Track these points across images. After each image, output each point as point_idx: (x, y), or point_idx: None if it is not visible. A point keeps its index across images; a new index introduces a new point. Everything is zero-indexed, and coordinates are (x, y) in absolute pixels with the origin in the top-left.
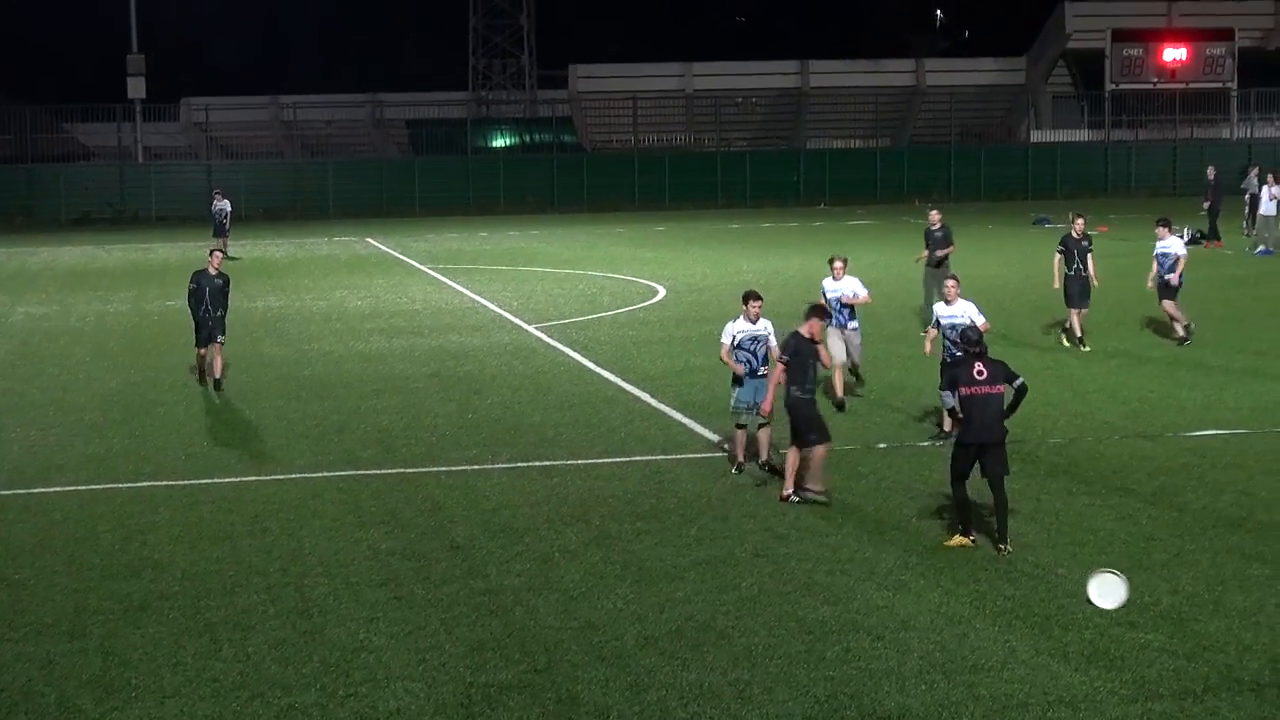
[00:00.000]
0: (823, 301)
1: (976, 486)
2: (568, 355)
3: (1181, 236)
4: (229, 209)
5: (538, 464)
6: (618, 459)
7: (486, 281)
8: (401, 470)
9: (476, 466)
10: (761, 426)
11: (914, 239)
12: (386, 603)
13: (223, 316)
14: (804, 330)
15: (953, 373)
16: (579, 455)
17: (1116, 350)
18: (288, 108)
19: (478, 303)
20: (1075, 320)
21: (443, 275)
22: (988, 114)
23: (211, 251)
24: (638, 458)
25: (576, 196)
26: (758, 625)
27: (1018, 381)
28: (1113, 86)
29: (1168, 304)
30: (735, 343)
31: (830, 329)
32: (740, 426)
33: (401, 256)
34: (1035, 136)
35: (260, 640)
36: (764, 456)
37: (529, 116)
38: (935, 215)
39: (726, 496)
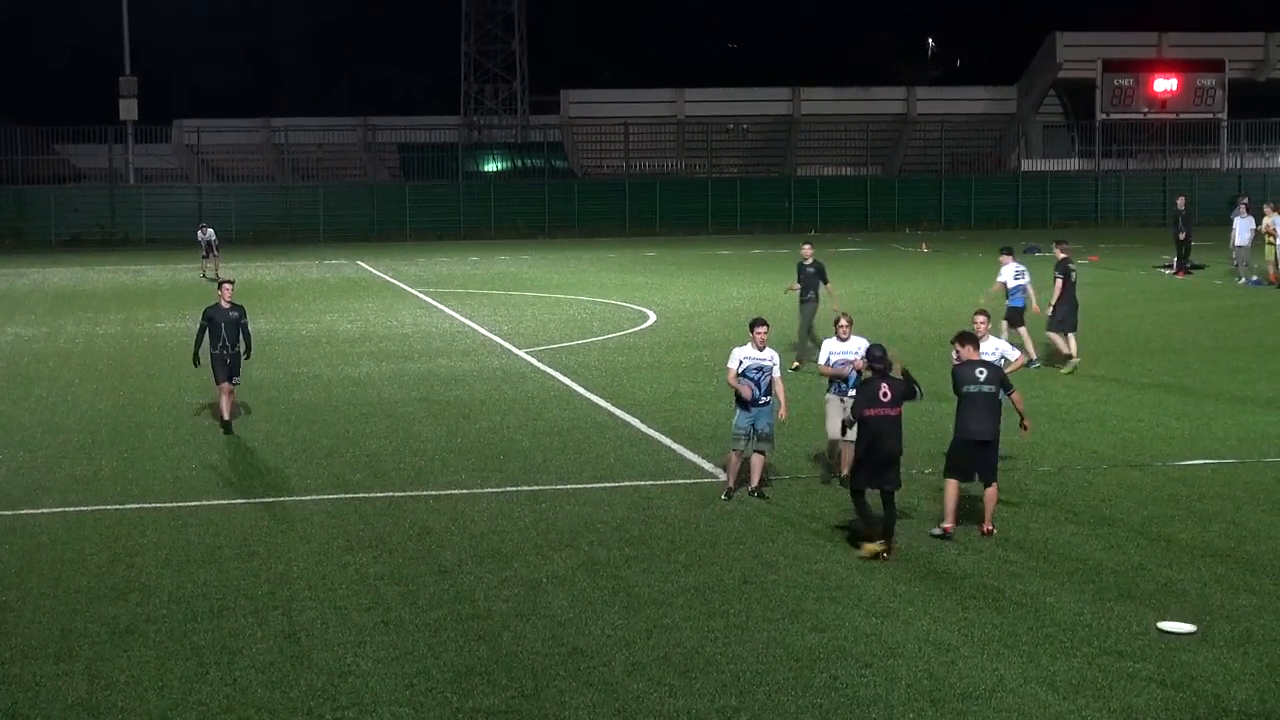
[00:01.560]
0: (823, 368)
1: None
2: (557, 380)
3: (1167, 267)
4: (215, 238)
5: (526, 489)
6: (606, 485)
7: (477, 306)
8: (390, 494)
9: (465, 491)
10: (757, 453)
11: (906, 267)
12: (374, 627)
13: (241, 354)
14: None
15: (862, 393)
16: (568, 480)
17: (1105, 379)
18: (279, 131)
19: (468, 327)
20: (1070, 343)
21: (433, 299)
22: (978, 143)
23: (220, 284)
24: (626, 483)
25: (567, 221)
26: (746, 652)
27: (917, 397)
28: (1103, 116)
29: (1021, 330)
30: (741, 369)
31: (830, 398)
32: (736, 451)
33: (392, 280)
34: (1026, 165)
35: (247, 664)
36: (755, 483)
37: (520, 141)
38: (807, 250)
39: (715, 523)
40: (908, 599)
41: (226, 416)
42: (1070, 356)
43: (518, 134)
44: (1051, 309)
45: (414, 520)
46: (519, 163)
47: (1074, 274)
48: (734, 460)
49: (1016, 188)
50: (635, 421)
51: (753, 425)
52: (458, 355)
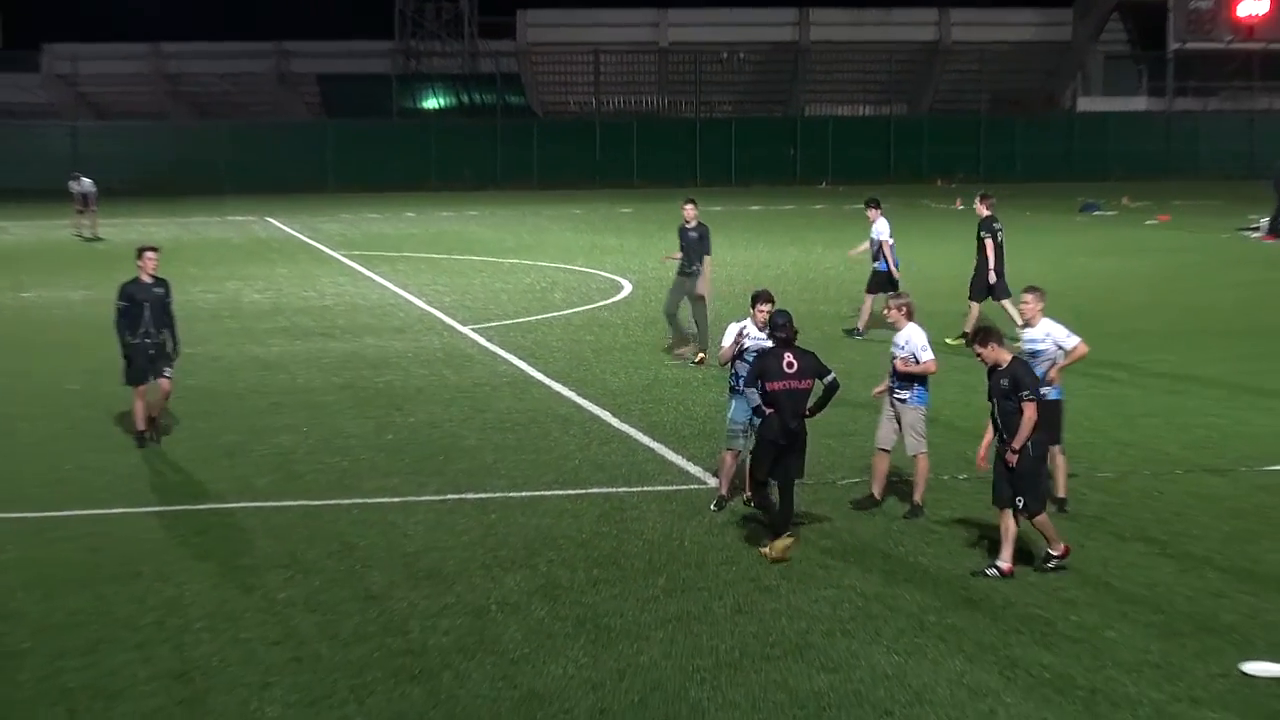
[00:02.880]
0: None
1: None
2: (511, 364)
3: (1254, 229)
4: (92, 189)
5: (472, 496)
6: (570, 491)
7: (413, 273)
8: (305, 502)
9: (397, 499)
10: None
11: (938, 228)
12: (284, 665)
13: (168, 341)
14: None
15: (760, 365)
16: (523, 486)
17: (1173, 368)
18: (172, 59)
19: (402, 298)
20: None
21: (360, 264)
22: (1026, 77)
23: (141, 252)
24: (595, 490)
25: (524, 171)
26: (739, 697)
27: (828, 377)
28: (1177, 45)
29: (868, 297)
30: (741, 351)
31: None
32: (732, 451)
33: (310, 241)
34: (1083, 105)
35: (129, 710)
36: (723, 490)
37: (467, 73)
38: (690, 210)
39: (703, 539)
40: (937, 633)
41: (141, 426)
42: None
43: (464, 63)
44: (993, 275)
45: (335, 534)
46: (466, 99)
47: (1001, 234)
48: (728, 462)
49: (1071, 132)
50: (606, 415)
51: (751, 420)
52: (390, 333)
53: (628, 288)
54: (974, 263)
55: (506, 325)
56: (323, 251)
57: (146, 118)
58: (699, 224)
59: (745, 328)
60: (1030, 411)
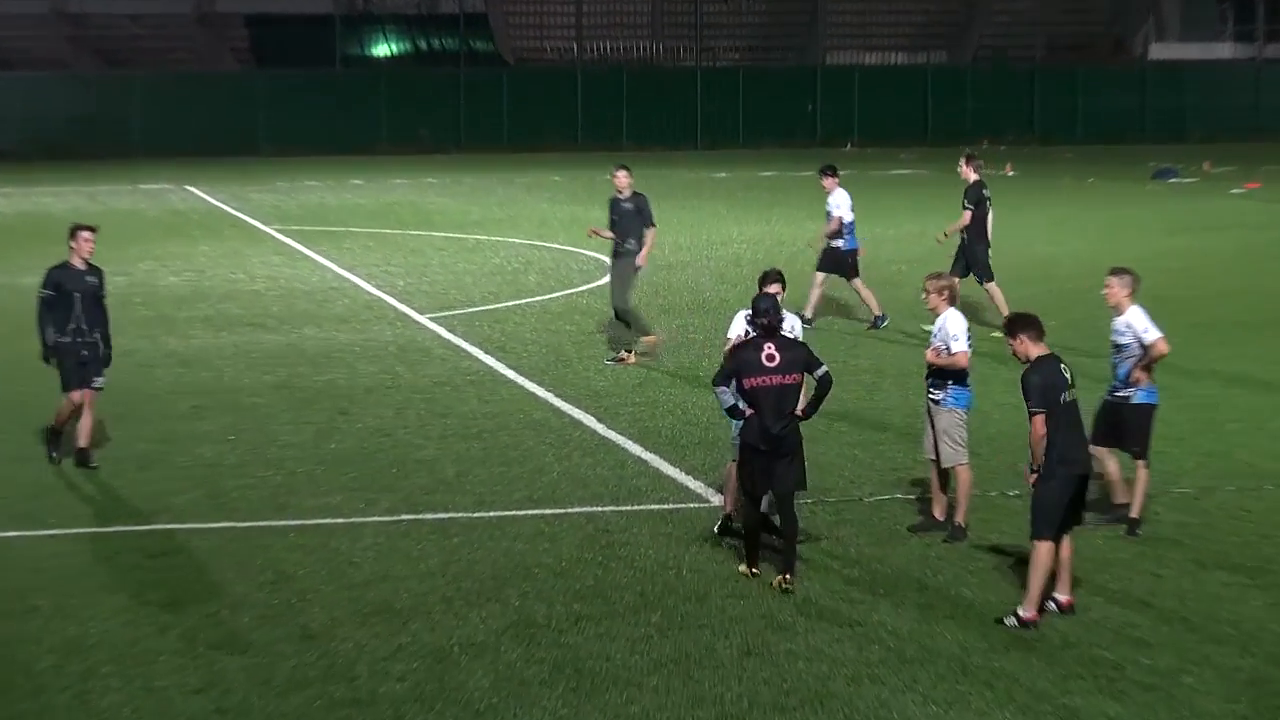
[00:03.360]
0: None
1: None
2: (477, 359)
3: None
4: None
5: (431, 517)
6: (547, 511)
7: (361, 252)
8: (232, 524)
9: (342, 520)
10: None
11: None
12: (207, 717)
13: (102, 340)
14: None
15: (735, 358)
16: (491, 505)
17: (1262, 366)
18: None
19: (347, 282)
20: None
21: (298, 242)
22: (1089, 19)
23: (75, 232)
24: (576, 509)
25: (493, 131)
26: None
27: (819, 371)
28: None
29: (857, 282)
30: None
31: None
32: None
33: (238, 214)
34: (1156, 52)
35: None
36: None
37: (425, 13)
38: (623, 178)
39: (705, 567)
40: (983, 679)
41: (84, 443)
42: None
43: (421, 3)
44: (958, 236)
45: (268, 561)
46: (423, 44)
47: (989, 204)
48: (733, 474)
49: (1143, 84)
50: (589, 420)
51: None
52: (333, 322)
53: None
54: (961, 240)
55: (471, 314)
56: (253, 226)
57: (44, 67)
58: (634, 194)
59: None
60: (1037, 427)
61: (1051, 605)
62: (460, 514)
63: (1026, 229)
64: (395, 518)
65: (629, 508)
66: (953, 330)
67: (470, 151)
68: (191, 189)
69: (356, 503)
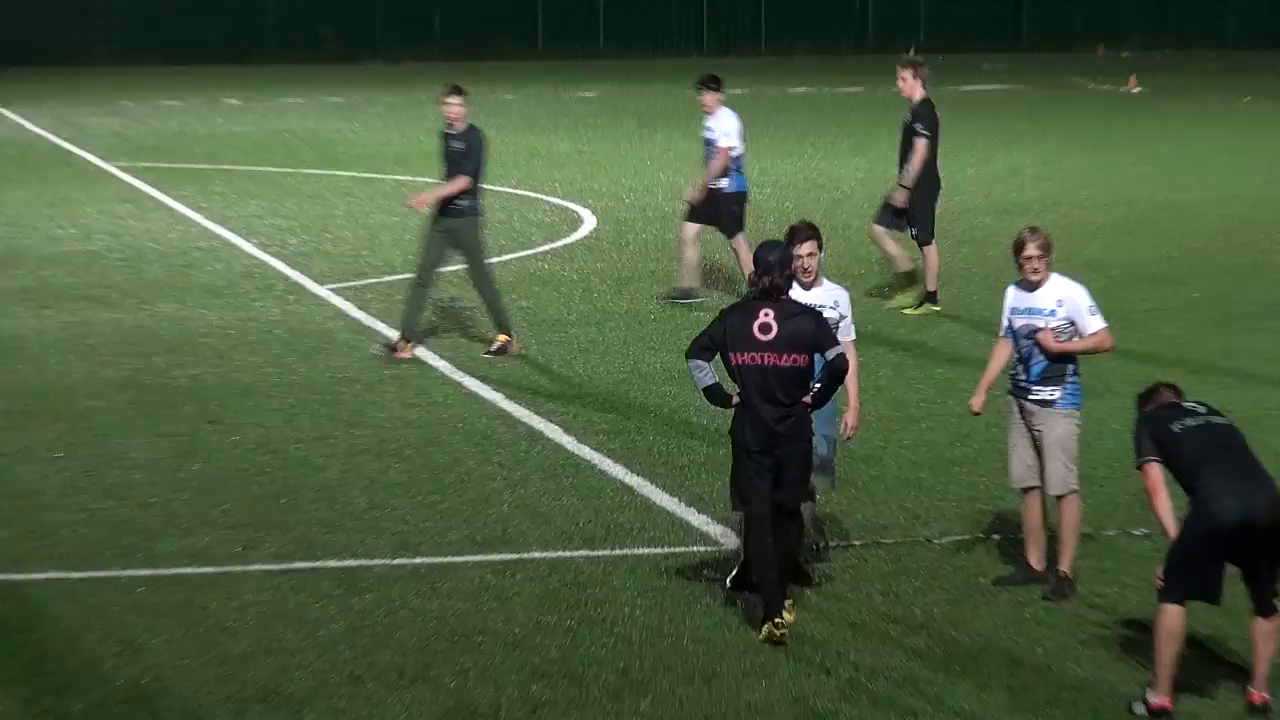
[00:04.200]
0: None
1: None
2: (391, 340)
3: None
4: None
5: (334, 564)
6: (496, 556)
7: (238, 198)
8: (61, 575)
9: (213, 569)
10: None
11: (1101, 125)
12: None
13: None
14: None
15: (720, 327)
16: (418, 548)
17: None
18: None
19: (219, 239)
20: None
21: (150, 184)
22: None
23: None
24: (536, 555)
25: (420, 30)
26: None
27: (830, 352)
28: None
29: (739, 240)
30: None
31: (1013, 411)
32: None
33: (67, 145)
34: None
35: None
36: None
37: None
38: (454, 106)
39: (712, 635)
40: None
41: None
42: (912, 276)
43: None
44: (902, 192)
45: (109, 626)
46: None
47: (938, 129)
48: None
49: None
50: (553, 431)
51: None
52: (199, 296)
53: (589, 221)
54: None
55: (390, 284)
56: (89, 163)
57: None
58: (469, 128)
59: None
60: (1150, 474)
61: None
62: (375, 560)
63: (1158, 166)
64: (285, 565)
65: (607, 552)
66: (1084, 299)
67: (390, 60)
68: (3, 112)
69: (231, 545)
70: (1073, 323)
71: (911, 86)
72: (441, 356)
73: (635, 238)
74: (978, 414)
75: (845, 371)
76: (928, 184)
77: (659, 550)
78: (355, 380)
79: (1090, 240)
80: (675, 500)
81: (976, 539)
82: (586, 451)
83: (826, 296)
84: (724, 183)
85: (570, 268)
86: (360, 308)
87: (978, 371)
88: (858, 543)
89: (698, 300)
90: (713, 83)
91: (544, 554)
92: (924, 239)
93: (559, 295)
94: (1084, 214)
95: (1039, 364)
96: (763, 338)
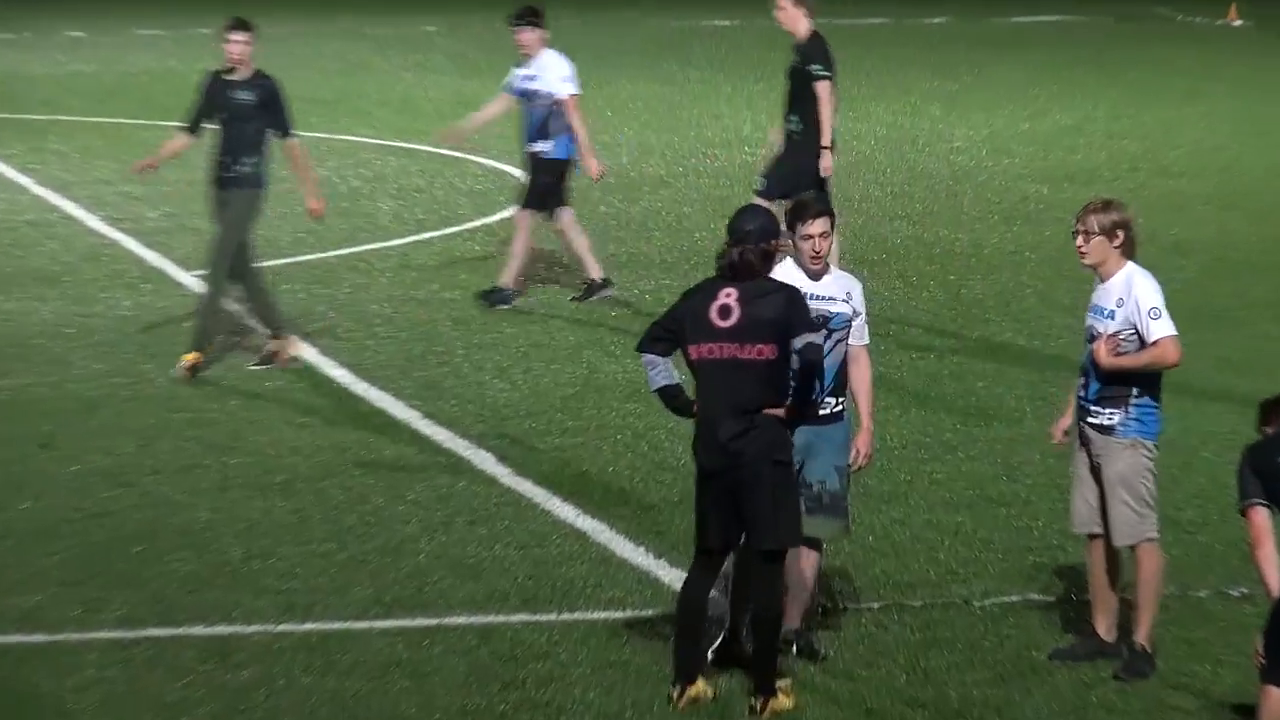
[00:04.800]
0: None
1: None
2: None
3: None
4: None
5: (200, 631)
6: (409, 622)
7: (81, 159)
8: None
9: (43, 637)
10: (804, 545)
11: (1195, 68)
12: None
13: None
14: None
15: (673, 312)
16: (308, 611)
17: None
18: None
19: (57, 211)
20: None
21: None
22: None
23: None
24: (460, 619)
25: None
26: None
27: (801, 341)
28: None
29: (566, 220)
30: None
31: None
32: None
33: None
34: None
35: None
36: (795, 621)
37: None
38: (240, 45)
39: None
40: None
41: None
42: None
43: None
44: (828, 156)
45: None
46: None
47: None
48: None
49: None
50: (484, 458)
51: (796, 471)
52: (27, 284)
53: None
54: (783, 130)
55: (277, 269)
56: None
57: None
58: (256, 74)
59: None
60: (1254, 520)
61: None
62: (254, 626)
63: (1264, 122)
64: (137, 633)
65: (553, 616)
66: (1145, 299)
67: None
68: None
69: (69, 606)
70: (1136, 326)
71: (793, 17)
72: (340, 363)
73: (591, 211)
74: (1059, 444)
75: (817, 365)
76: (816, 137)
77: (619, 614)
78: (230, 393)
79: (1175, 217)
80: (640, 550)
81: (1029, 601)
82: (527, 487)
83: (837, 287)
84: (543, 146)
85: (508, 249)
86: (236, 300)
87: (1027, 385)
88: (875, 605)
89: (509, 304)
90: (532, 17)
91: (472, 618)
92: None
93: (490, 283)
94: (1168, 183)
95: (1097, 379)
96: (721, 324)
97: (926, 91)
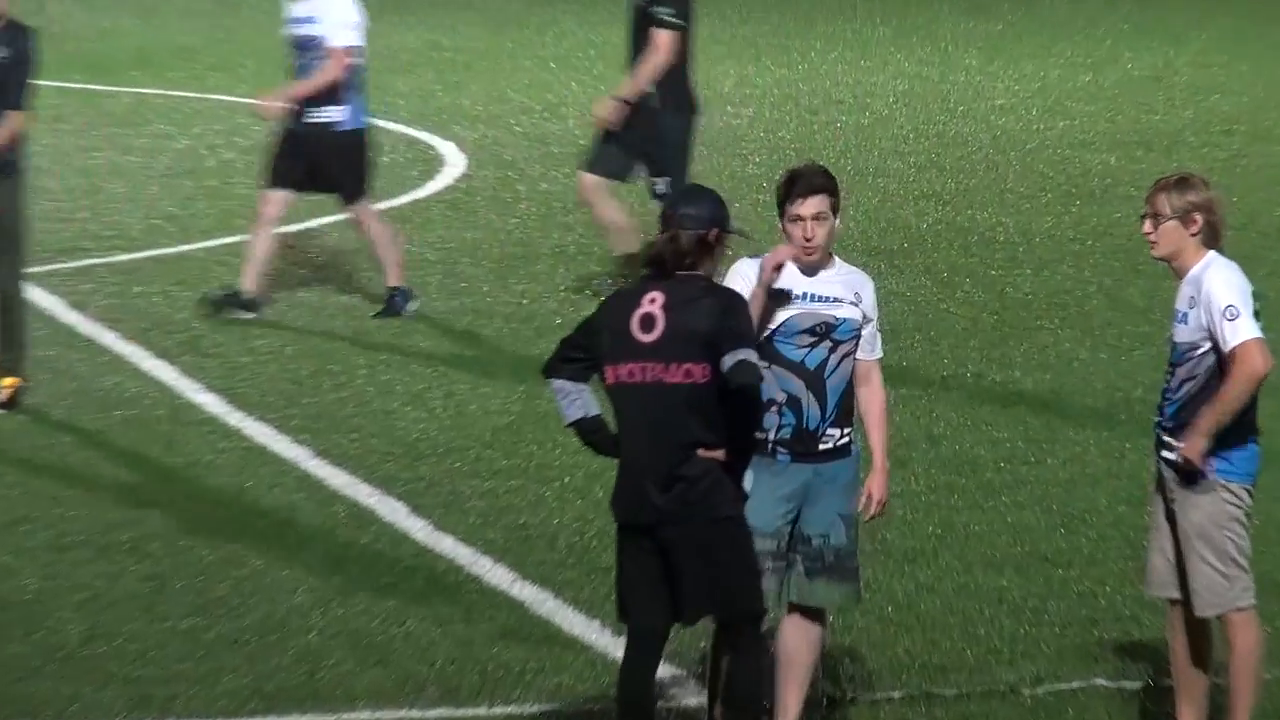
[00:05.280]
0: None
1: None
2: (128, 367)
3: None
4: None
5: None
6: (299, 719)
7: None
8: None
9: None
10: (801, 615)
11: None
12: None
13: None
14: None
15: (589, 324)
16: (166, 707)
17: None
18: None
19: None
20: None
21: None
22: None
23: None
24: (365, 714)
25: None
26: None
27: (732, 358)
28: None
29: (363, 216)
30: (768, 330)
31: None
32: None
33: None
34: None
35: None
36: (792, 715)
37: None
38: None
39: None
40: None
41: None
42: None
43: None
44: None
45: None
46: None
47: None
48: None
49: None
50: (393, 508)
51: (790, 522)
52: None
53: (453, 162)
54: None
55: (123, 266)
56: None
57: None
58: (11, 25)
59: (764, 264)
60: None
61: None
62: None
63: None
64: None
65: (483, 710)
66: (1220, 295)
67: None
68: None
69: None
70: (1212, 331)
71: None
72: (208, 387)
73: (530, 189)
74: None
75: (754, 396)
76: (675, 101)
77: (566, 706)
78: (64, 428)
79: None
80: (593, 625)
81: (1093, 688)
82: (448, 545)
83: (843, 285)
84: (334, 113)
85: (424, 239)
86: (75, 306)
87: (1091, 412)
88: (897, 694)
89: (250, 312)
90: None
91: (378, 713)
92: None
93: (386, 290)
94: (1272, 150)
95: (1173, 401)
96: (644, 338)
97: (961, 34)
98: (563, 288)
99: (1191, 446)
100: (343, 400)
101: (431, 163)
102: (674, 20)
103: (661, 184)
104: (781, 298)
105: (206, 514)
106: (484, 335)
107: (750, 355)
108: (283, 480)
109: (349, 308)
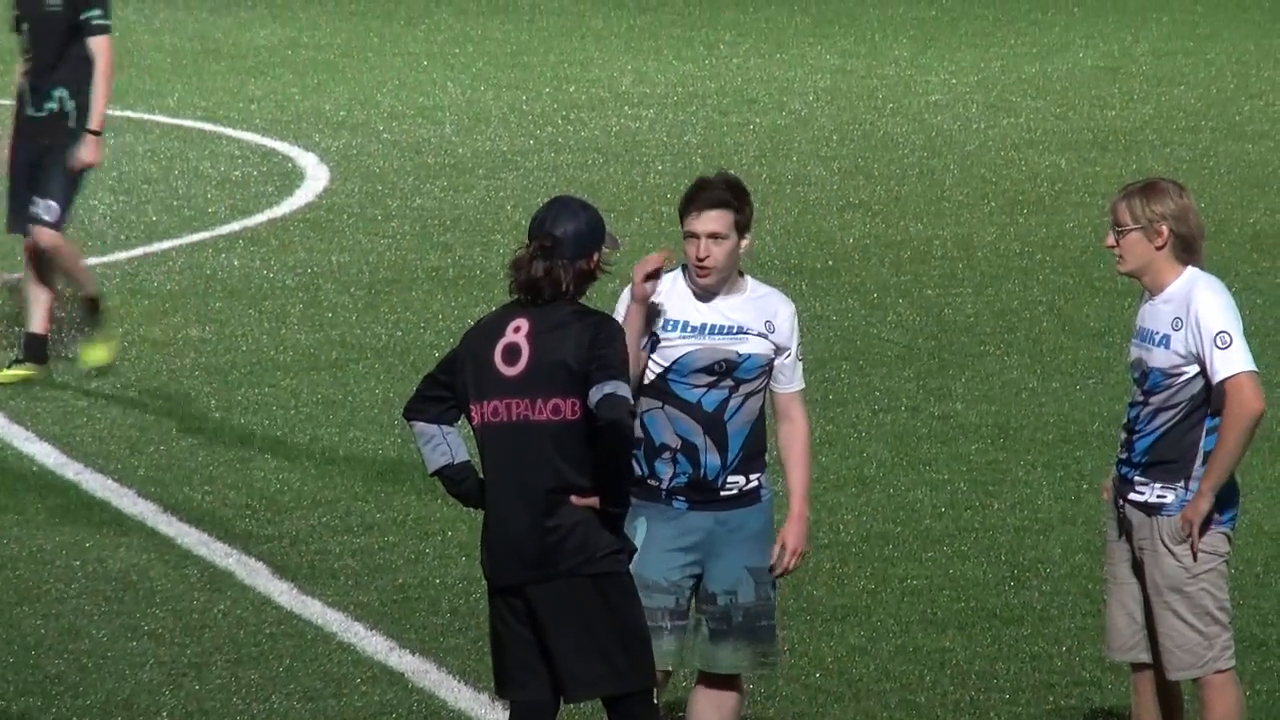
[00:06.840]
0: None
1: None
2: None
3: None
4: None
5: None
6: None
7: None
8: None
9: None
10: (711, 682)
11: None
12: None
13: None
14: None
15: (450, 358)
16: None
17: None
18: None
19: None
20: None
21: None
22: None
23: None
24: None
25: None
26: None
27: (600, 390)
28: None
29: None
30: (660, 366)
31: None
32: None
33: None
34: None
35: None
36: None
37: None
38: None
39: None
40: None
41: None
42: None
43: None
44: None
45: None
46: None
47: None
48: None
49: None
50: (256, 572)
51: (693, 576)
52: None
53: (315, 174)
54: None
55: None
56: None
57: None
58: None
59: (635, 273)
60: None
61: None
62: None
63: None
64: None
65: None
66: (1210, 319)
67: None
68: None
69: None
70: (1201, 354)
71: None
72: (39, 435)
73: (402, 205)
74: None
75: (625, 434)
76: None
77: None
78: None
79: (1254, 197)
80: (481, 698)
81: None
82: (316, 610)
83: (752, 312)
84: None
85: (283, 262)
86: None
87: (1042, 447)
88: None
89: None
90: None
91: None
92: (53, 218)
93: (262, 316)
94: (1243, 149)
95: (1145, 434)
96: (507, 371)
97: (889, 22)
98: (441, 317)
99: (1194, 508)
100: (193, 448)
101: (290, 176)
102: (105, 20)
103: (38, 205)
104: (654, 313)
105: (36, 578)
106: (353, 372)
107: (619, 388)
108: (127, 539)
109: (197, 342)
